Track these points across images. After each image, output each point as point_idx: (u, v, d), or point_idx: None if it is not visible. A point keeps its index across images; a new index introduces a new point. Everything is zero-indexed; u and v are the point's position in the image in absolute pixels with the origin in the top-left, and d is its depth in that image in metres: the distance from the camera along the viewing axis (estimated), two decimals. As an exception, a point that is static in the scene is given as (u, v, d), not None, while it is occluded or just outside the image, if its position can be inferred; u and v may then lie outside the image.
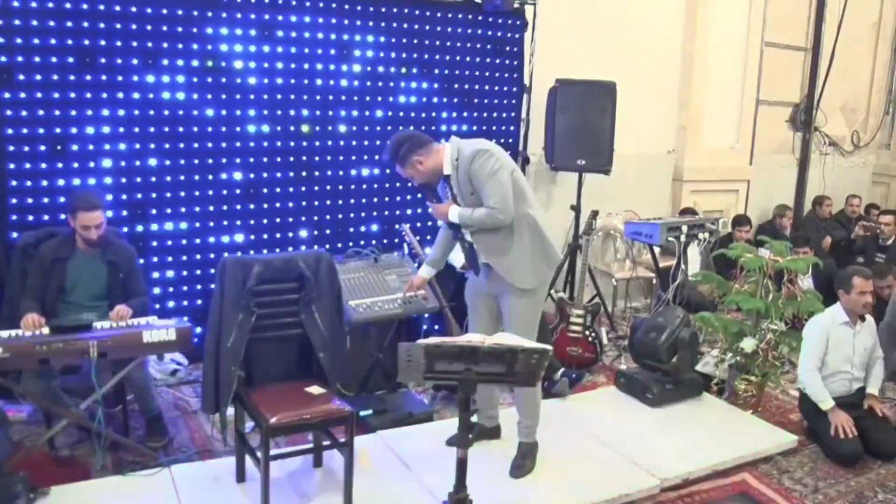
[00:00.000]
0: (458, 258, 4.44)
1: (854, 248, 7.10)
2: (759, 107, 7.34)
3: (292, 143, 4.68)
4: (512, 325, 3.37)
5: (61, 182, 4.08)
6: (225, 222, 4.57)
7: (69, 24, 4.00)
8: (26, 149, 4.01)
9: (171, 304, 4.48)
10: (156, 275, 4.42)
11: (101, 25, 4.08)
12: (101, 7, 4.06)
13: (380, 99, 4.91)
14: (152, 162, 4.32)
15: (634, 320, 4.87)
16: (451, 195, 3.44)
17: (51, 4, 3.95)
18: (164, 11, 4.21)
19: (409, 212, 5.14)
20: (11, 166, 3.99)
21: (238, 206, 4.59)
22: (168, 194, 4.39)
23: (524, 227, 3.38)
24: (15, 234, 3.95)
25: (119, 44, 4.13)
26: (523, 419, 3.59)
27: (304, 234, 4.81)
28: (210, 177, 4.48)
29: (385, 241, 4.89)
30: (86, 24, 4.04)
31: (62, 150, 4.09)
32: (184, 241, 4.47)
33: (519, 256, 3.38)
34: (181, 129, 4.36)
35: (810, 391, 4.05)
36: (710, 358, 4.82)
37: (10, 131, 3.96)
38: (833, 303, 4.21)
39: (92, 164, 4.17)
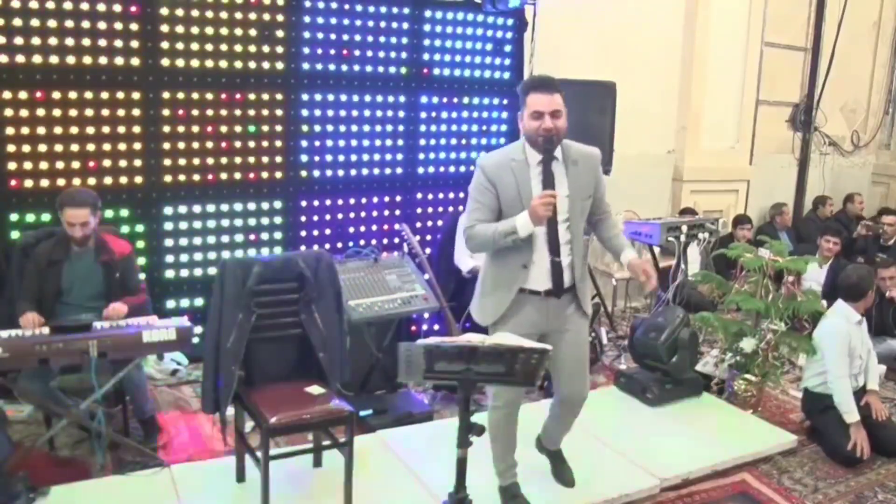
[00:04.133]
0: (466, 262, 4.44)
1: (855, 247, 7.09)
2: (759, 107, 7.34)
3: (291, 143, 4.68)
4: (582, 359, 3.12)
5: (61, 182, 4.08)
6: (225, 222, 4.57)
7: (69, 23, 4.00)
8: (26, 149, 4.01)
9: (171, 303, 4.48)
10: (156, 274, 4.42)
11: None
12: (102, 7, 4.06)
13: (379, 99, 4.91)
14: (153, 161, 4.31)
15: (634, 320, 4.86)
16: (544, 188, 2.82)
17: (51, 4, 3.95)
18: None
19: (397, 212, 5.13)
20: (12, 166, 3.99)
21: (238, 206, 4.59)
22: (168, 194, 4.39)
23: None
24: (15, 234, 3.95)
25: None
26: None
27: (303, 234, 4.82)
28: (210, 176, 4.48)
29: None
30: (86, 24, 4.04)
31: (62, 150, 4.08)
32: (184, 241, 4.47)
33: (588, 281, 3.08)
34: (183, 128, 4.36)
35: (840, 399, 3.96)
36: (710, 358, 4.82)
37: (10, 131, 3.95)
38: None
39: (92, 164, 4.17)
